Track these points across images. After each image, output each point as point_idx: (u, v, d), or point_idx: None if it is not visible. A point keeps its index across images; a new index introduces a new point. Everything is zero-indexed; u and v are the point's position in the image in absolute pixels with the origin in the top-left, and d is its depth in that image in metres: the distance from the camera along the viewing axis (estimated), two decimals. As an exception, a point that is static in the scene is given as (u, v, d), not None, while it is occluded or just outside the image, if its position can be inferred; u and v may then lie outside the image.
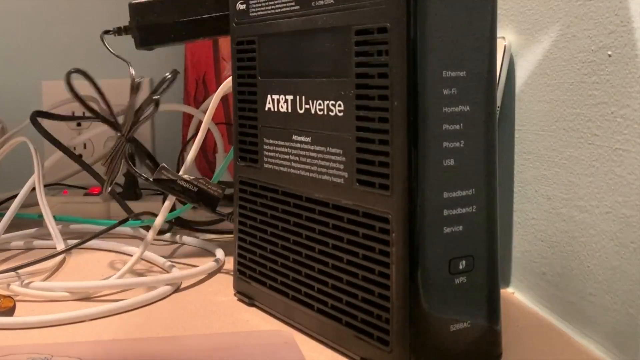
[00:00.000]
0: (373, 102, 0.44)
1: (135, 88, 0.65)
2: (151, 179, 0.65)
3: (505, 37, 0.60)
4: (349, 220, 0.47)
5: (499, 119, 0.60)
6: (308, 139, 0.50)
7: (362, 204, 0.46)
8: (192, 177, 0.64)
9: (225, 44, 0.94)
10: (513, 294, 0.60)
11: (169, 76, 0.66)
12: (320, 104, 0.49)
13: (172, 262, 0.68)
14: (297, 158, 0.51)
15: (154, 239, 0.75)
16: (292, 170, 0.52)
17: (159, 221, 0.67)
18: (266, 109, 0.54)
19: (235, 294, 0.60)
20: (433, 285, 0.43)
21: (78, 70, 0.75)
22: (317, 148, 0.49)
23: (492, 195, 0.45)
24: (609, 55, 0.47)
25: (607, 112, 0.48)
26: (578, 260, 0.51)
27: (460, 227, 0.44)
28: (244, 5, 0.56)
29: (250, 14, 0.55)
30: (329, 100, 0.48)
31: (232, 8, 0.57)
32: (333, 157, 0.48)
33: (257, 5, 0.54)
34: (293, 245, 0.52)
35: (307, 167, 0.50)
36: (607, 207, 0.48)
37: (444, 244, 0.44)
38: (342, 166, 0.47)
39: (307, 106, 0.50)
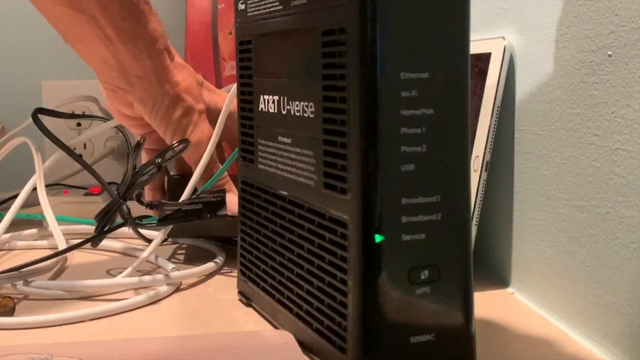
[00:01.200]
0: (335, 104, 0.43)
1: (138, 146, 0.63)
2: (156, 222, 0.64)
3: (506, 37, 0.60)
4: (319, 224, 0.46)
5: (498, 118, 0.60)
6: (289, 141, 0.49)
7: (328, 208, 0.44)
8: (191, 198, 0.64)
9: (225, 44, 0.94)
10: (513, 294, 0.60)
11: (177, 147, 0.64)
12: (297, 105, 0.48)
13: (172, 261, 0.68)
14: (282, 159, 0.51)
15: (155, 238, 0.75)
16: (278, 172, 0.51)
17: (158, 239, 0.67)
18: (259, 109, 0.54)
19: (238, 294, 0.60)
20: (390, 294, 0.41)
21: None
22: (296, 149, 0.48)
23: (463, 203, 0.43)
24: (609, 55, 0.47)
25: (607, 112, 0.48)
26: (578, 261, 0.51)
27: (423, 236, 0.41)
28: (244, 5, 0.56)
29: (248, 14, 0.55)
30: (304, 102, 0.47)
31: (236, 8, 0.57)
32: (307, 159, 0.47)
33: (252, 5, 0.54)
34: (279, 247, 0.52)
35: (288, 168, 0.50)
36: (607, 207, 0.48)
37: (403, 252, 0.41)
38: (313, 168, 0.46)
39: (289, 107, 0.49)
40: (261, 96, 0.54)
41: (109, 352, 0.48)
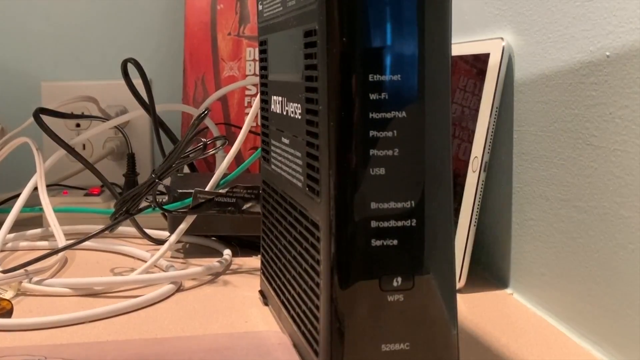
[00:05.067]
0: (312, 106, 0.43)
1: (200, 119, 0.61)
2: (188, 209, 0.64)
3: (504, 38, 0.60)
4: (305, 227, 0.45)
5: (497, 119, 0.60)
6: (287, 142, 0.49)
7: (310, 210, 0.44)
8: (226, 190, 0.63)
9: (224, 44, 0.94)
10: (512, 295, 0.60)
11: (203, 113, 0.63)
12: (291, 106, 0.48)
13: (176, 261, 0.68)
14: (284, 160, 0.51)
15: (160, 237, 0.75)
16: (282, 173, 0.51)
17: (173, 239, 0.67)
18: (272, 109, 0.54)
19: (258, 292, 0.61)
20: (360, 300, 0.40)
21: (134, 60, 0.74)
22: (291, 151, 0.48)
23: (443, 209, 0.41)
24: (607, 56, 0.47)
25: (605, 112, 0.47)
26: (576, 261, 0.51)
27: (395, 242, 0.40)
28: (261, 6, 0.56)
29: (264, 15, 0.55)
30: (295, 103, 0.46)
31: (257, 9, 0.58)
32: (297, 161, 0.47)
33: (266, 5, 0.54)
34: (283, 248, 0.52)
35: (287, 169, 0.50)
36: (606, 208, 0.48)
37: (373, 258, 0.40)
38: (300, 170, 0.46)
39: (287, 108, 0.49)
40: (272, 97, 0.54)
41: (103, 353, 0.48)
